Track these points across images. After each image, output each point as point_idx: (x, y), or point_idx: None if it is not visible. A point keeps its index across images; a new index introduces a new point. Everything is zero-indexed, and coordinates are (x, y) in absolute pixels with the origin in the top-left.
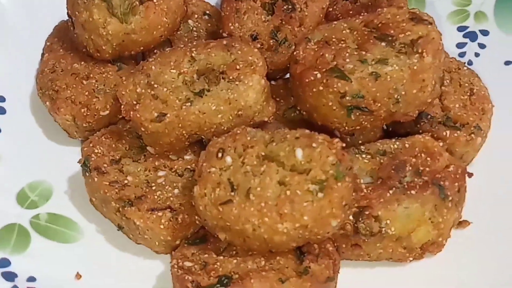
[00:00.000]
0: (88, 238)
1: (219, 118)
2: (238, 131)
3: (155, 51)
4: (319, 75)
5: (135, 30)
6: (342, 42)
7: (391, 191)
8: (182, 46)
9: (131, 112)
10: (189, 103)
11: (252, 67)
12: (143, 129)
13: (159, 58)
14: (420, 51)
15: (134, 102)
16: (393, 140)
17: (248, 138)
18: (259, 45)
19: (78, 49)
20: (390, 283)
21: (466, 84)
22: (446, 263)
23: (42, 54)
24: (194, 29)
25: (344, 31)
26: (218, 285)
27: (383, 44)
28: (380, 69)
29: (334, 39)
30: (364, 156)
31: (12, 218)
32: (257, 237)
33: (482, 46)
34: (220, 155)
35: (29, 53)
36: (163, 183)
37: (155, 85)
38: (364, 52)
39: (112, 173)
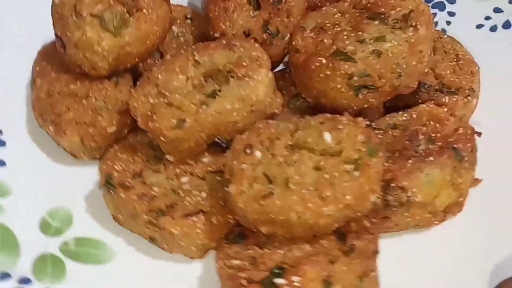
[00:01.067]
0: (121, 255)
1: (235, 116)
2: (260, 125)
3: (148, 61)
4: (324, 61)
5: (129, 42)
6: (336, 26)
7: (410, 161)
8: (182, 51)
9: (150, 123)
10: (205, 106)
11: (258, 62)
12: (162, 138)
13: (163, 66)
14: (414, 24)
15: (150, 113)
16: (400, 113)
17: (272, 131)
18: (252, 41)
19: (71, 69)
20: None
21: (451, 51)
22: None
23: (33, 80)
24: (180, 34)
25: (336, 16)
26: (272, 277)
27: (377, 22)
28: (380, 47)
29: (328, 24)
30: (376, 132)
31: (42, 249)
32: (302, 224)
33: (451, 14)
34: (248, 151)
35: (16, 81)
36: (189, 188)
37: (167, 93)
38: (360, 33)
39: (138, 186)
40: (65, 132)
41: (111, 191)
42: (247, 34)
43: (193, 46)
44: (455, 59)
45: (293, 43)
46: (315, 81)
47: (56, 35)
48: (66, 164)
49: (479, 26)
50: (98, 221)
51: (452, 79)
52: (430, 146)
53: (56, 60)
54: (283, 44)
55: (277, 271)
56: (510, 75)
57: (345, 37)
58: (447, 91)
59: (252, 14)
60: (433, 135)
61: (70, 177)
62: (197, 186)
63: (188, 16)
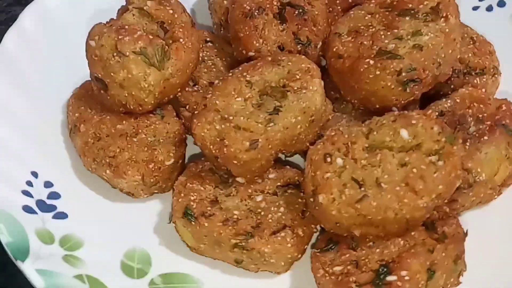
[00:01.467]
0: (209, 283)
1: (299, 128)
2: (333, 133)
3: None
4: (371, 62)
5: (173, 74)
6: (370, 27)
7: (467, 144)
8: (229, 75)
9: (224, 149)
10: (272, 123)
11: (310, 73)
12: (236, 162)
13: (217, 92)
14: (444, 15)
15: (218, 139)
16: (443, 100)
17: (346, 136)
18: (297, 54)
19: (114, 110)
20: None
21: (465, 35)
22: None
23: (74, 126)
24: (206, 58)
25: (366, 18)
26: (382, 276)
27: (408, 18)
28: (420, 40)
29: (362, 27)
30: None
31: None
32: (399, 220)
33: None
34: (328, 159)
35: (52, 129)
36: (266, 206)
37: (231, 117)
38: (396, 30)
39: (218, 213)
40: (125, 173)
41: (192, 222)
42: (281, 48)
43: (240, 68)
44: (471, 42)
45: (334, 49)
46: (364, 83)
47: (94, 77)
48: (126, 204)
49: (475, 8)
50: (175, 254)
51: (475, 61)
52: (481, 127)
53: (93, 103)
54: (317, 52)
55: (383, 269)
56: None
57: (382, 36)
58: (474, 73)
59: (281, 28)
60: (480, 115)
61: (133, 216)
62: (273, 202)
63: (208, 39)
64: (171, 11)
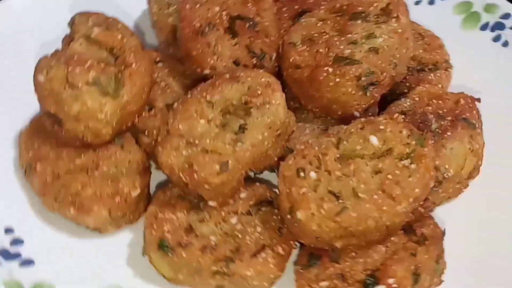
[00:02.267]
0: None
1: (266, 145)
2: (302, 147)
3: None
4: (330, 69)
5: (129, 101)
6: (324, 34)
7: (431, 141)
8: (188, 96)
9: (194, 175)
10: (240, 142)
11: (270, 87)
12: (207, 186)
13: (178, 116)
14: (395, 15)
15: (187, 165)
16: (402, 100)
17: (316, 148)
18: (255, 68)
19: (70, 144)
20: None
21: (413, 31)
22: None
23: (28, 166)
24: (158, 79)
25: (318, 25)
26: (369, 287)
27: (359, 21)
28: (374, 43)
29: (315, 35)
30: None
31: None
32: (379, 228)
33: None
34: (302, 174)
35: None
36: (242, 228)
37: (196, 141)
38: (349, 35)
39: (195, 241)
40: (91, 210)
41: (169, 254)
42: (237, 63)
43: (198, 88)
44: (420, 38)
45: (290, 60)
46: (325, 91)
47: (46, 113)
48: (94, 240)
49: (418, 3)
50: (152, 286)
51: (427, 56)
52: (442, 123)
53: (46, 138)
54: (273, 63)
55: (370, 280)
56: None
57: (337, 42)
58: (428, 69)
59: (233, 43)
60: (440, 111)
61: (103, 252)
62: (249, 223)
63: (157, 59)
64: (119, 36)
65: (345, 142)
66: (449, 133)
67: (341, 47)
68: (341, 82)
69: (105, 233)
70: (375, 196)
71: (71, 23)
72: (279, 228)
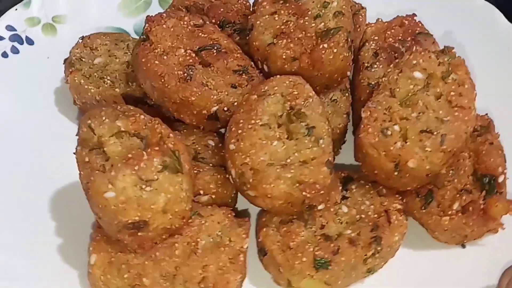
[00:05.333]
0: None
1: (328, 129)
2: (368, 113)
3: None
4: (325, 45)
5: (190, 167)
6: (288, 23)
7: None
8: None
9: (313, 186)
10: (321, 139)
11: (298, 83)
12: (322, 191)
13: (252, 151)
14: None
15: (298, 184)
16: (363, 48)
17: (379, 108)
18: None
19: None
20: None
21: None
22: None
23: None
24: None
25: (275, 18)
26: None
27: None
28: (334, 8)
29: (282, 27)
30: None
31: None
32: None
33: None
34: (388, 132)
35: None
36: (355, 210)
37: (288, 160)
38: (309, 13)
39: (339, 243)
40: (228, 282)
41: (329, 267)
42: (234, 87)
43: (239, 122)
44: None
45: (283, 56)
46: (327, 65)
47: (124, 226)
48: None
49: None
50: None
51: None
52: (407, 45)
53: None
54: (259, 70)
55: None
56: None
57: (306, 23)
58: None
59: (217, 72)
60: (398, 37)
61: None
62: (355, 204)
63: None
64: (142, 117)
65: (397, 89)
66: (418, 48)
67: (313, 24)
68: (338, 51)
69: None
70: (456, 113)
71: (89, 132)
72: (378, 191)
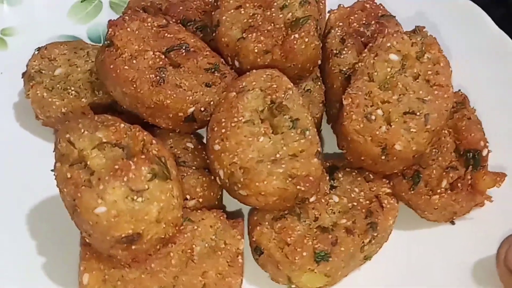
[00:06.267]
0: None
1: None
2: (349, 100)
3: None
4: (297, 35)
5: (176, 173)
6: (255, 16)
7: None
8: (226, 132)
9: (307, 179)
10: (307, 131)
11: (275, 75)
12: (315, 183)
13: (240, 149)
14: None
15: (291, 178)
16: (330, 34)
17: (360, 93)
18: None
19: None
20: None
21: None
22: None
23: None
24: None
25: (242, 12)
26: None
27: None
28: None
29: (250, 20)
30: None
31: None
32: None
33: None
34: (372, 117)
35: None
36: (346, 198)
37: (277, 155)
38: (275, 4)
39: (337, 233)
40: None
41: (329, 259)
42: (208, 85)
43: (222, 121)
44: None
45: (255, 50)
46: (300, 55)
47: (117, 240)
48: None
49: None
50: None
51: None
52: (372, 28)
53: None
54: (230, 67)
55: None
56: None
57: (273, 15)
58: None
59: (189, 72)
60: (362, 22)
61: None
62: (344, 192)
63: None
64: (122, 125)
65: (375, 73)
66: (382, 30)
67: (280, 15)
68: (309, 40)
69: None
70: (435, 92)
71: (68, 146)
72: (365, 177)
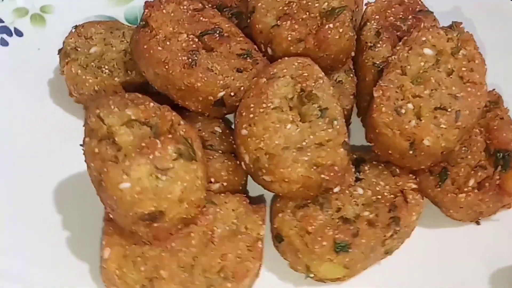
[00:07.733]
0: None
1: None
2: (380, 92)
3: None
4: (331, 25)
5: (203, 155)
6: (290, 4)
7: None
8: (254, 117)
9: (332, 168)
10: (335, 121)
11: (306, 64)
12: (340, 173)
13: (267, 135)
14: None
15: (316, 167)
16: (365, 27)
17: (391, 86)
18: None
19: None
20: None
21: None
22: None
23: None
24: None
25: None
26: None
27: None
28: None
29: (285, 8)
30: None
31: None
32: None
33: None
34: (402, 111)
35: None
36: (370, 191)
37: (304, 143)
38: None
39: (358, 225)
40: (248, 270)
41: (349, 249)
42: (239, 71)
43: (251, 106)
44: None
45: (289, 38)
46: (333, 45)
47: (140, 218)
48: None
49: None
50: None
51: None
52: (409, 22)
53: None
54: (263, 54)
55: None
56: None
57: (309, 3)
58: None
59: (221, 57)
60: (399, 16)
61: None
62: (369, 185)
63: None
64: (151, 104)
65: (408, 67)
66: (419, 24)
67: (316, 5)
68: (344, 31)
69: None
70: (468, 89)
71: (98, 122)
72: (391, 172)
